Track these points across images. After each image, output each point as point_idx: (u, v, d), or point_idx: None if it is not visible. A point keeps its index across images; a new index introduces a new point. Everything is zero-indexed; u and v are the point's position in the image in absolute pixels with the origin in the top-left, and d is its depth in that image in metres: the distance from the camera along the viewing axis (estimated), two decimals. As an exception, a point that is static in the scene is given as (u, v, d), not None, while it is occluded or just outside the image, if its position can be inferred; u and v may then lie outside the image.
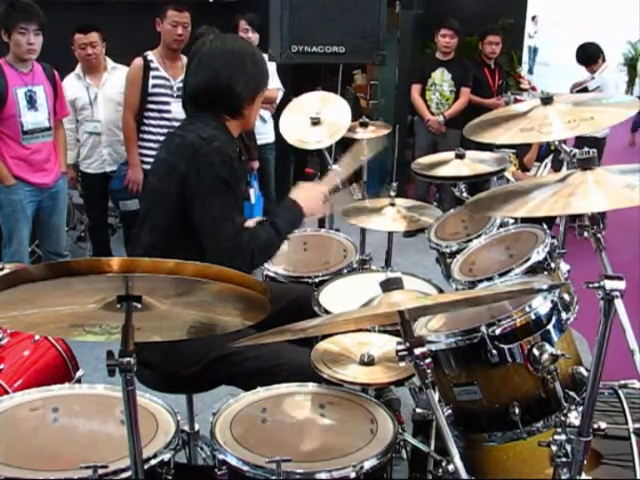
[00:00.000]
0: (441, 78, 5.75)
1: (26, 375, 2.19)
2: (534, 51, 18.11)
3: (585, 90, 5.81)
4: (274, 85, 4.74)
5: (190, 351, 2.07)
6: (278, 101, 4.76)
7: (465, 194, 2.77)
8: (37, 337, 2.30)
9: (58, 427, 1.73)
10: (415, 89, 5.82)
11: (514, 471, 1.84)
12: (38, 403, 1.80)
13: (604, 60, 5.87)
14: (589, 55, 5.88)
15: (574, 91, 5.97)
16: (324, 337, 2.06)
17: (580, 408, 1.65)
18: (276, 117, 4.79)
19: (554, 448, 1.63)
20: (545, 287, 1.72)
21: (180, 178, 2.02)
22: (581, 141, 3.93)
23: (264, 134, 4.86)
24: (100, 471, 1.49)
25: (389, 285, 1.55)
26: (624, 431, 1.74)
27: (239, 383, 2.06)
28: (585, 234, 1.62)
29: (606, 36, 12.93)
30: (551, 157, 5.35)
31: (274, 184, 5.24)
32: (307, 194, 2.21)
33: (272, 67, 4.58)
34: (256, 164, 4.72)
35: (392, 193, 2.88)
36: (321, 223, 3.46)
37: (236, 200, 2.08)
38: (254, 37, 4.59)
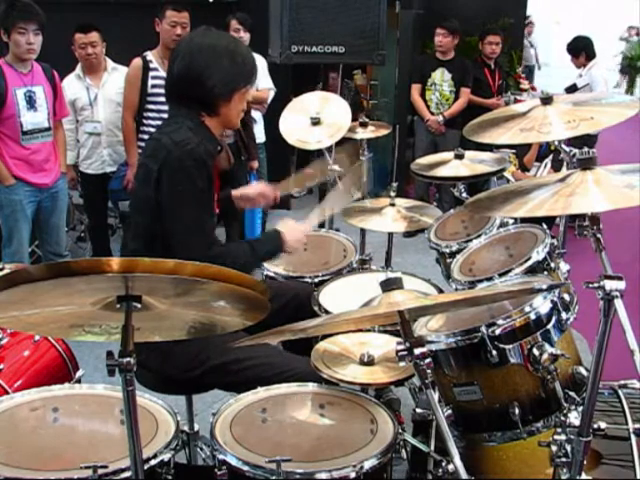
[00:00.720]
0: (441, 78, 5.75)
1: (26, 375, 2.19)
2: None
3: (574, 87, 5.83)
4: (265, 85, 4.73)
5: (189, 355, 2.06)
6: (269, 101, 4.75)
7: (465, 194, 2.77)
8: (37, 337, 2.29)
9: (58, 427, 1.73)
10: (415, 89, 5.82)
11: (514, 471, 1.84)
12: (38, 403, 1.80)
13: (591, 58, 5.88)
14: (574, 47, 5.96)
15: (565, 90, 6.00)
16: (324, 337, 2.06)
17: (580, 408, 1.65)
18: (267, 117, 4.80)
19: (554, 448, 1.63)
20: (545, 287, 1.72)
21: (155, 183, 1.99)
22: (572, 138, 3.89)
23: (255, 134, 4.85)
24: (100, 471, 1.49)
25: (389, 285, 1.55)
26: (624, 431, 1.74)
27: (238, 391, 2.06)
28: (585, 233, 1.62)
29: (606, 36, 12.95)
30: (551, 157, 5.36)
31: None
32: (293, 231, 2.21)
33: (263, 67, 4.56)
34: (256, 164, 4.71)
35: (392, 193, 2.88)
36: (321, 223, 3.46)
37: (207, 206, 2.05)
38: (245, 36, 4.59)
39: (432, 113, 5.76)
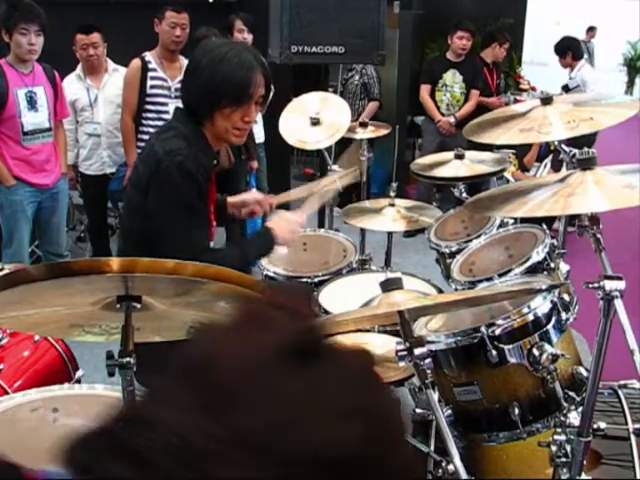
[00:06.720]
0: (452, 79, 5.71)
1: (26, 375, 2.19)
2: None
3: (567, 87, 5.84)
4: None
5: None
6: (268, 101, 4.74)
7: (465, 194, 2.77)
8: (37, 337, 2.29)
9: (58, 427, 1.73)
10: (425, 89, 5.76)
11: (514, 471, 1.84)
12: (38, 403, 1.80)
13: (577, 58, 5.85)
14: (560, 47, 5.94)
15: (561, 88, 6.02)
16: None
17: (580, 408, 1.65)
18: (267, 117, 4.80)
19: (554, 448, 1.64)
20: (545, 287, 1.72)
21: (144, 188, 1.99)
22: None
23: (254, 134, 4.84)
24: (100, 471, 1.48)
25: (389, 285, 1.55)
26: (624, 431, 1.74)
27: None
28: (585, 233, 1.62)
29: (606, 36, 12.93)
30: (551, 157, 5.35)
31: (268, 185, 5.23)
32: (284, 224, 2.16)
33: None
34: (255, 163, 4.71)
35: (392, 193, 2.88)
36: (321, 223, 3.46)
37: (196, 220, 2.01)
38: (249, 37, 4.58)
39: (442, 114, 5.72)
